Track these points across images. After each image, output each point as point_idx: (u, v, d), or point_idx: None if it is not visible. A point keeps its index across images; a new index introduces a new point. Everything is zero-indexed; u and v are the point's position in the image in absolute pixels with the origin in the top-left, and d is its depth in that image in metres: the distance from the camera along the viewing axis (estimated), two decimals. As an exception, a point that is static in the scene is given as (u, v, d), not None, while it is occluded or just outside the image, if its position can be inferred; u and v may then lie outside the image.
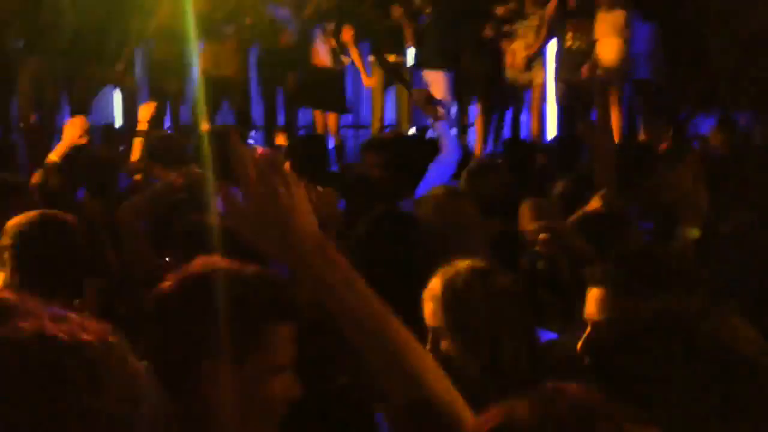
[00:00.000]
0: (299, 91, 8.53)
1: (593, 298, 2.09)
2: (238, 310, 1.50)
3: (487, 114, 8.72)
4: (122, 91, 8.39)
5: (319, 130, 8.52)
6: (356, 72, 8.91)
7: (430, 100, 5.10)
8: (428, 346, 2.16)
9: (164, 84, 8.22)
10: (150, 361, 1.47)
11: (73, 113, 7.76)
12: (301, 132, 8.77)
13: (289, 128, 8.70)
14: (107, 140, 6.90)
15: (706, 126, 7.61)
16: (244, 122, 8.35)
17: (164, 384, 1.49)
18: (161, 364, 1.50)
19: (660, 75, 8.11)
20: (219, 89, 8.02)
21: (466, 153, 6.22)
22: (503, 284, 2.13)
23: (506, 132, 8.73)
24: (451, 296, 2.10)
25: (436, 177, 4.47)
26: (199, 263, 1.58)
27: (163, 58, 8.21)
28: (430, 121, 5.12)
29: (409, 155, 4.83)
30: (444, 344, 2.09)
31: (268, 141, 8.52)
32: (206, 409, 1.50)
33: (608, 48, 7.94)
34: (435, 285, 2.13)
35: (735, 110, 7.56)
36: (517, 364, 2.06)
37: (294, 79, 8.51)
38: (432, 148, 4.88)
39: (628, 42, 7.96)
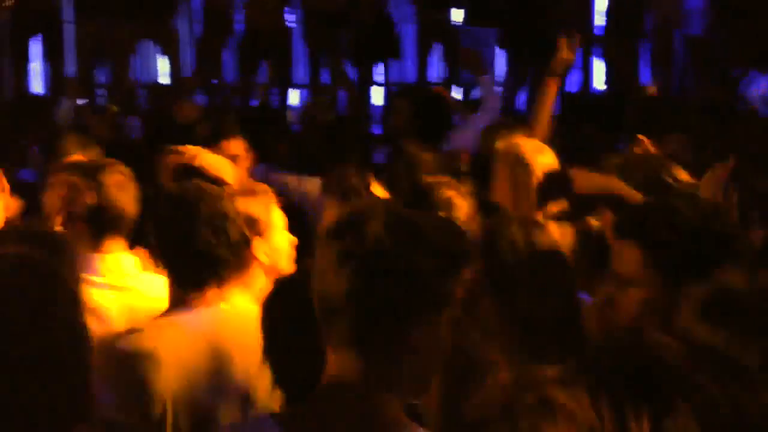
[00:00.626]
0: (355, 44, 8.38)
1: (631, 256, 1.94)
2: (440, 258, 1.43)
3: (536, 71, 8.57)
4: (165, 47, 8.37)
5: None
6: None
7: (478, 58, 5.02)
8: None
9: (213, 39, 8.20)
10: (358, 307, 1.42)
11: (113, 70, 7.80)
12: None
13: (333, 86, 8.62)
14: (155, 98, 6.91)
15: (761, 83, 7.38)
16: (283, 80, 8.28)
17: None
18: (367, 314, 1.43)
19: (713, 31, 7.90)
20: (261, 45, 7.97)
21: (510, 110, 6.13)
22: (548, 241, 2.04)
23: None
24: (489, 247, 2.02)
25: (469, 131, 4.41)
26: (377, 205, 1.52)
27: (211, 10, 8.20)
28: (475, 76, 5.04)
29: (434, 107, 4.68)
30: (480, 300, 2.02)
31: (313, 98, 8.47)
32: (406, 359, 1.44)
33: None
34: (475, 236, 2.06)
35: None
36: (555, 326, 1.98)
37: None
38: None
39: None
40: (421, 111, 4.46)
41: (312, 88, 8.66)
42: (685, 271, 1.75)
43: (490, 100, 4.77)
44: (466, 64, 5.16)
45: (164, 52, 8.52)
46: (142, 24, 8.10)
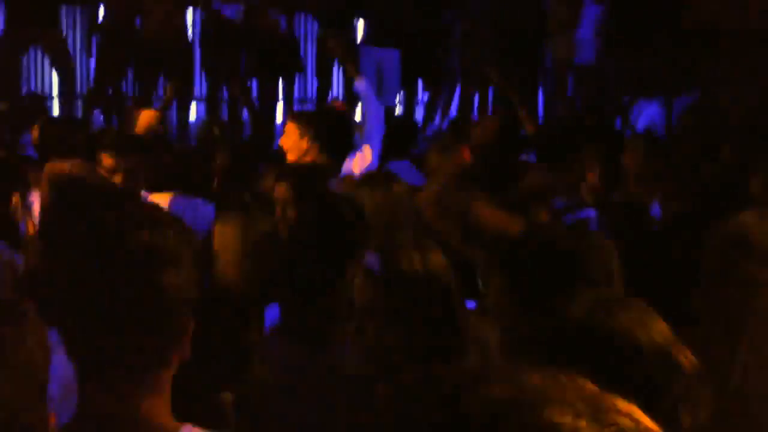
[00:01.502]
0: (254, 59, 8.25)
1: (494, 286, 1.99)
2: None
3: (435, 91, 8.71)
4: (55, 57, 7.98)
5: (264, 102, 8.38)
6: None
7: (349, 52, 4.90)
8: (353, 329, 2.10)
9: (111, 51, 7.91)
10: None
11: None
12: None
13: (232, 101, 8.49)
14: (30, 109, 6.53)
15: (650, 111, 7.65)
16: (185, 93, 8.12)
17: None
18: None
19: (603, 60, 8.13)
20: (159, 56, 7.79)
21: (410, 125, 6.16)
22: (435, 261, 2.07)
23: (453, 110, 8.73)
24: (389, 273, 2.04)
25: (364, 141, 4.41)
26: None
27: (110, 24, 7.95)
28: (352, 78, 4.89)
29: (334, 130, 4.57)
30: (374, 328, 2.03)
31: (211, 114, 8.34)
32: None
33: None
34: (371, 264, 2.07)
35: (676, 95, 7.61)
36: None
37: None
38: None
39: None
40: (323, 129, 4.36)
41: (210, 103, 8.52)
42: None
43: (369, 104, 4.63)
44: (334, 54, 5.02)
45: (53, 63, 8.11)
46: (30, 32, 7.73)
